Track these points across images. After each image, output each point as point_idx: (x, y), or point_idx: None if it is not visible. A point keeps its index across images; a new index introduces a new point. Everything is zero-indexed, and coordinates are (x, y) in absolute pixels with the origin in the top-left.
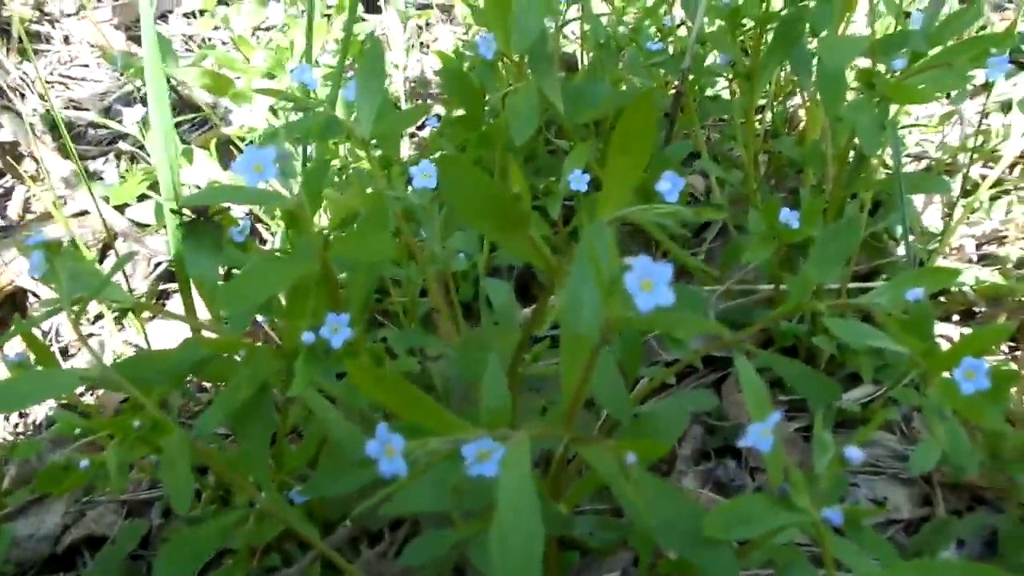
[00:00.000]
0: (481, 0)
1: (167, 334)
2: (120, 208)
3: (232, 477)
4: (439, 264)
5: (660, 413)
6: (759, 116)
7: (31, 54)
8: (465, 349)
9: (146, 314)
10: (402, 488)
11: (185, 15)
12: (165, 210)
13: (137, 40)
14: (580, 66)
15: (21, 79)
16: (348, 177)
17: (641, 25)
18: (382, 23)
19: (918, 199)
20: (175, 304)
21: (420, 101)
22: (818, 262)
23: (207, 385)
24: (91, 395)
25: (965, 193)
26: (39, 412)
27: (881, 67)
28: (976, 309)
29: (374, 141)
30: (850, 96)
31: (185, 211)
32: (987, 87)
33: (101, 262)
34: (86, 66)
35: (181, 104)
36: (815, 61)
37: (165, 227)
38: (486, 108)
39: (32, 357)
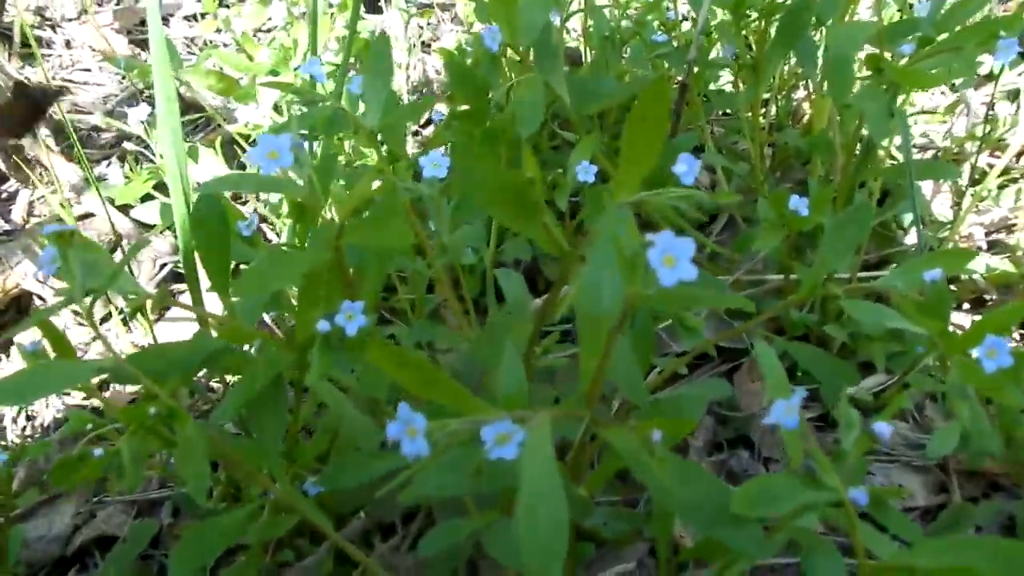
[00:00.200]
0: None
1: (175, 335)
2: (124, 210)
3: (246, 469)
4: (448, 256)
5: (679, 397)
6: (763, 110)
7: (39, 57)
8: (480, 339)
9: (154, 315)
10: (422, 470)
11: (186, 18)
12: (174, 207)
13: (138, 44)
14: (584, 61)
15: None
16: (356, 170)
17: (645, 18)
18: (383, 23)
19: (926, 189)
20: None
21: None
22: (831, 248)
23: (215, 385)
24: (98, 400)
25: (973, 182)
26: (47, 414)
27: (888, 55)
28: (986, 297)
29: (379, 137)
30: (856, 87)
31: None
32: (992, 77)
33: None
34: (88, 70)
35: (184, 106)
36: (820, 52)
37: (170, 228)
38: (491, 104)
39: (49, 348)
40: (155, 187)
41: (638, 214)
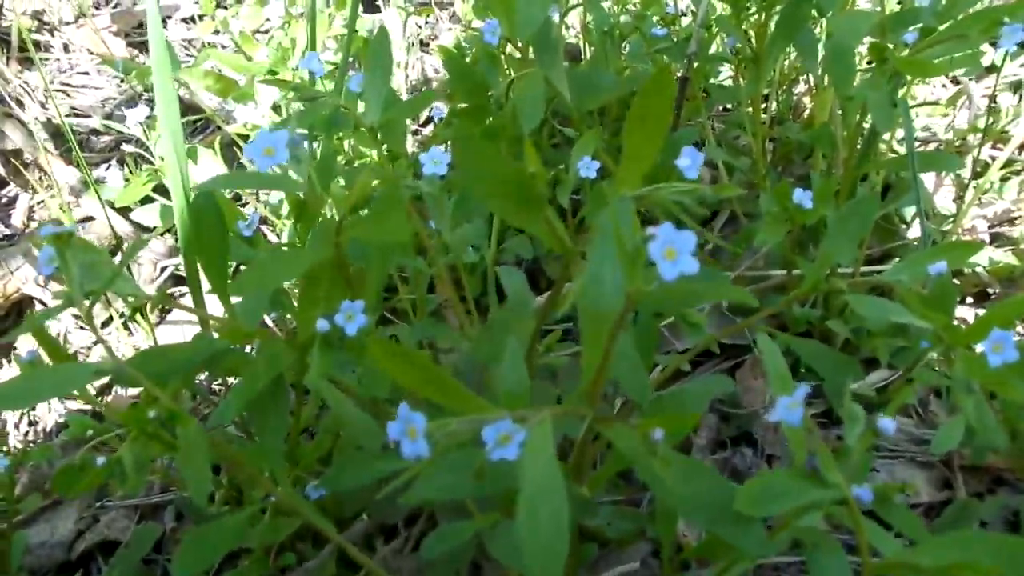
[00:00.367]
0: None
1: (176, 338)
2: (124, 213)
3: (248, 472)
4: (450, 254)
5: (680, 394)
6: (764, 105)
7: (37, 61)
8: (481, 337)
9: (155, 318)
10: (425, 469)
11: (184, 20)
12: (175, 208)
13: (136, 46)
14: (583, 56)
15: (22, 87)
16: (356, 168)
17: (645, 12)
18: (382, 21)
19: (929, 182)
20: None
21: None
22: (835, 240)
23: (217, 388)
24: (95, 405)
25: (976, 174)
26: (49, 419)
27: (891, 45)
28: (990, 290)
29: (379, 135)
30: (857, 80)
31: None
32: (995, 69)
33: None
34: (86, 73)
35: (183, 107)
36: (821, 44)
37: (169, 230)
38: (491, 101)
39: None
40: (154, 189)
41: (641, 211)
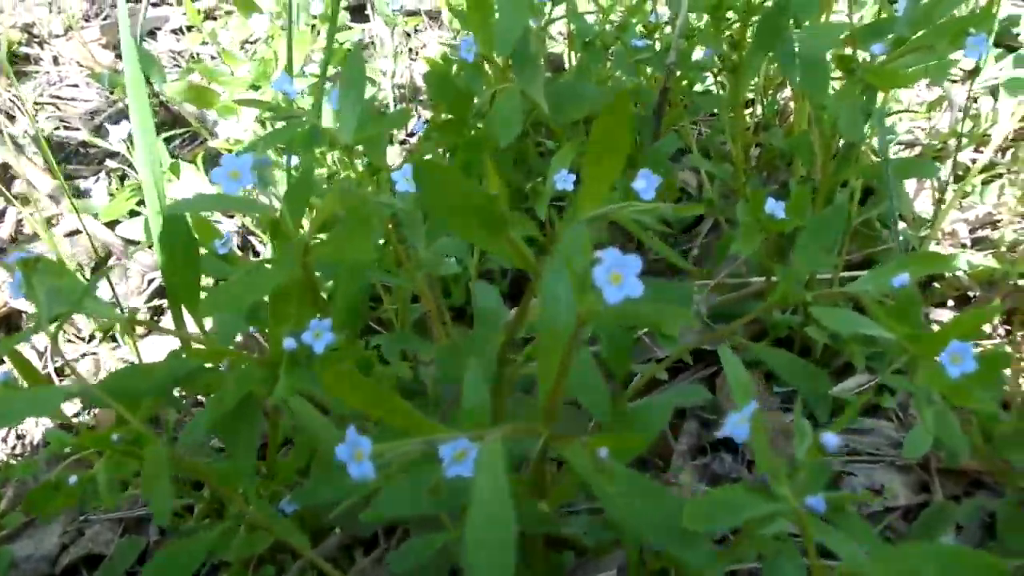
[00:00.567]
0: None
1: (161, 351)
2: (111, 225)
3: (221, 489)
4: (426, 268)
5: (642, 409)
6: (750, 109)
7: (12, 75)
8: (448, 353)
9: (140, 331)
10: (387, 488)
11: (173, 31)
12: (152, 224)
13: None
14: (568, 66)
15: (12, 101)
16: (340, 183)
17: (627, 23)
18: (370, 30)
19: (910, 186)
20: (170, 320)
21: (410, 107)
22: (806, 251)
23: (203, 399)
24: (89, 414)
25: (956, 178)
26: (36, 433)
27: (865, 55)
28: (971, 294)
29: (360, 148)
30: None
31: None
32: (974, 72)
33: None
34: (76, 86)
35: (172, 119)
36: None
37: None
38: (473, 112)
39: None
40: (140, 203)
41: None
